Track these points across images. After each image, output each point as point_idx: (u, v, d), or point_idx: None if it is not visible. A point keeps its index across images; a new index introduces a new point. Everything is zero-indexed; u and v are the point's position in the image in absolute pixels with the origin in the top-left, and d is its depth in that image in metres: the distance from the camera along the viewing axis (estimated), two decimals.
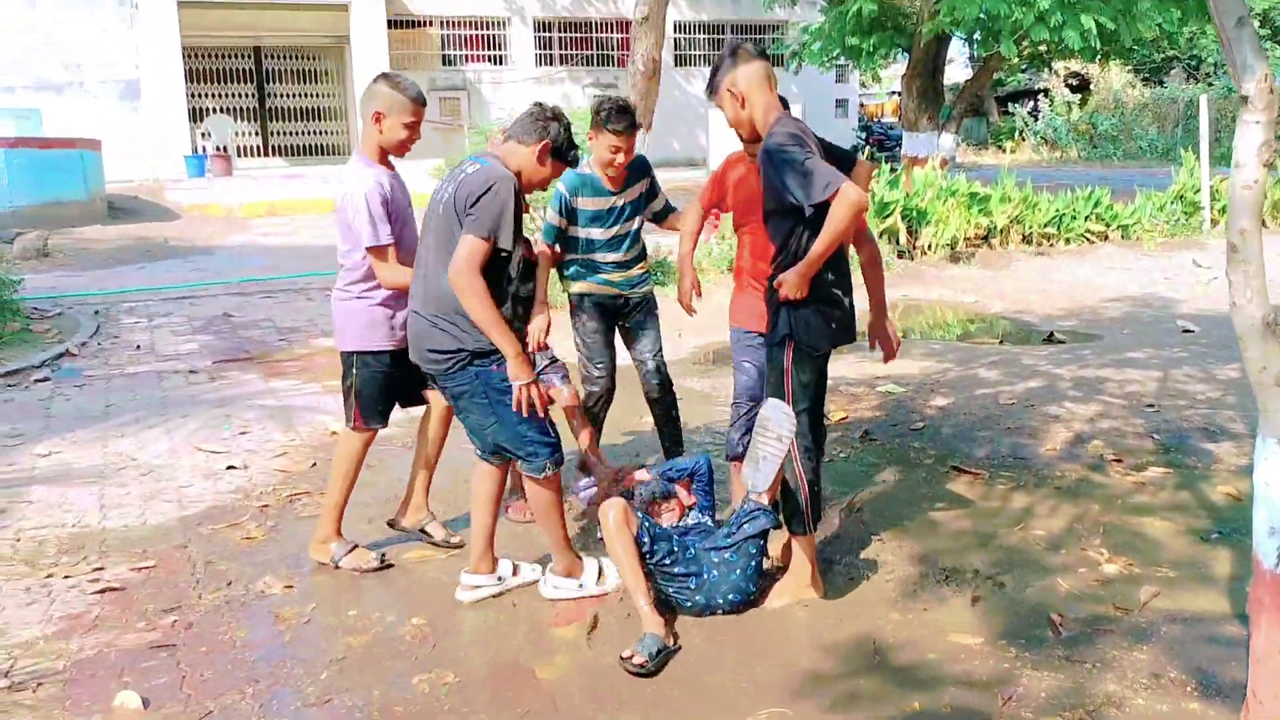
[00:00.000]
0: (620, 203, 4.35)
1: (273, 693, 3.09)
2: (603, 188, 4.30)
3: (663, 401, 4.62)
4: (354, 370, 3.89)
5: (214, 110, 21.84)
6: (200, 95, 21.80)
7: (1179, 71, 31.96)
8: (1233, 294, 2.38)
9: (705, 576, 3.44)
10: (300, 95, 23.26)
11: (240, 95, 22.76)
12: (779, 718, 2.91)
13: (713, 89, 3.56)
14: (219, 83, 22.41)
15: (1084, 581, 3.70)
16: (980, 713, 2.90)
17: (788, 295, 3.38)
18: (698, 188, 4.37)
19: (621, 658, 3.16)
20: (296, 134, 23.36)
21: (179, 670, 3.22)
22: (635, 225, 4.43)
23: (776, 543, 3.76)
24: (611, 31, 25.11)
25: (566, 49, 24.95)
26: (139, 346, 7.85)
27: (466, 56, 24.06)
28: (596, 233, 4.35)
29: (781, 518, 3.62)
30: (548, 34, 24.77)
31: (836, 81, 27.54)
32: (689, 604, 3.46)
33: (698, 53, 26.48)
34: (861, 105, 33.62)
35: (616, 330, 4.58)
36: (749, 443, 3.63)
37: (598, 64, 25.25)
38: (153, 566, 3.99)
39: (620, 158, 4.19)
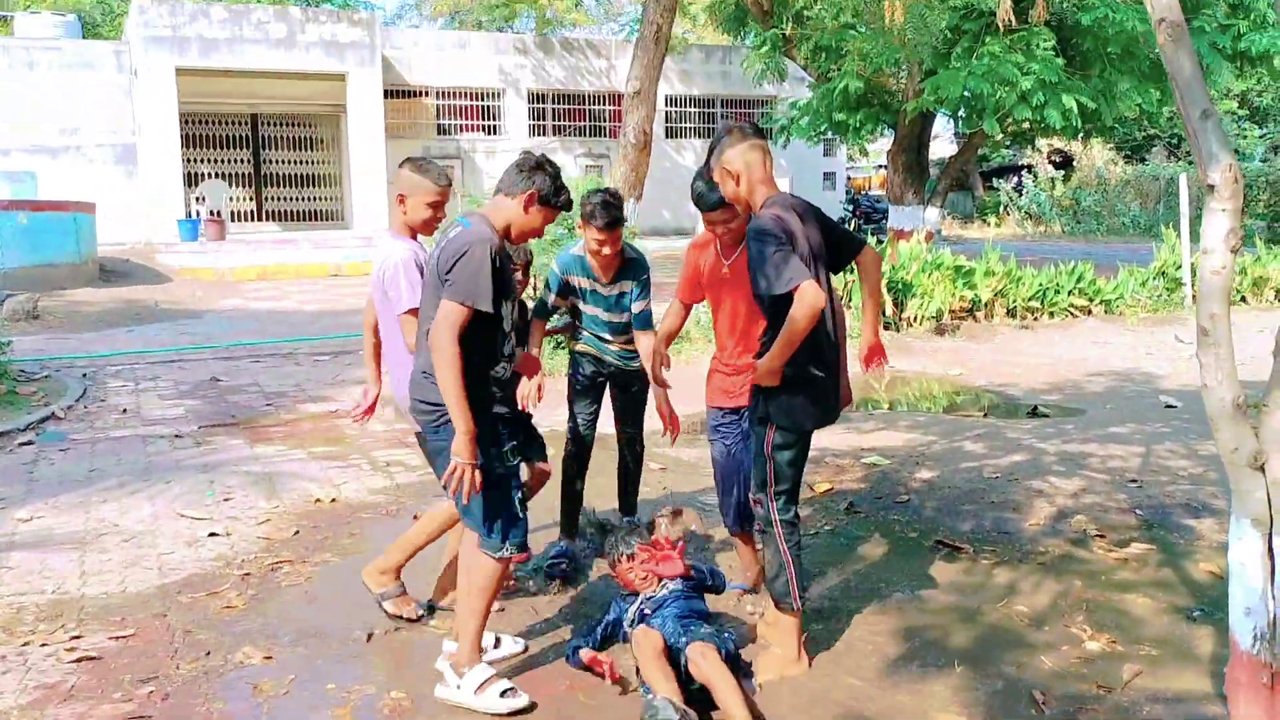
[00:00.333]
0: (610, 292, 4.46)
1: None
2: (593, 274, 4.43)
3: (631, 472, 4.86)
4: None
5: (209, 175, 22.03)
6: (196, 160, 22.00)
7: (1160, 149, 32.58)
8: (1204, 376, 2.43)
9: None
10: (296, 162, 23.50)
11: (236, 161, 22.98)
12: None
13: (710, 166, 3.65)
14: (215, 148, 22.64)
15: (1067, 659, 3.69)
16: None
17: (760, 384, 3.45)
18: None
19: None
20: (291, 200, 23.56)
21: None
22: (627, 317, 4.53)
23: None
24: (604, 104, 25.53)
25: (559, 120, 25.35)
26: (125, 410, 7.85)
27: (461, 126, 24.41)
28: (590, 310, 4.53)
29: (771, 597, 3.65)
30: (541, 105, 25.17)
31: (824, 155, 28.00)
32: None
33: (689, 125, 26.92)
34: (849, 178, 34.10)
35: (607, 393, 4.71)
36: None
37: (590, 135, 25.64)
38: (131, 635, 3.95)
39: (606, 250, 4.30)
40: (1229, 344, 2.41)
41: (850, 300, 11.30)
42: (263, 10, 21.22)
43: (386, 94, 21.79)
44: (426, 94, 23.86)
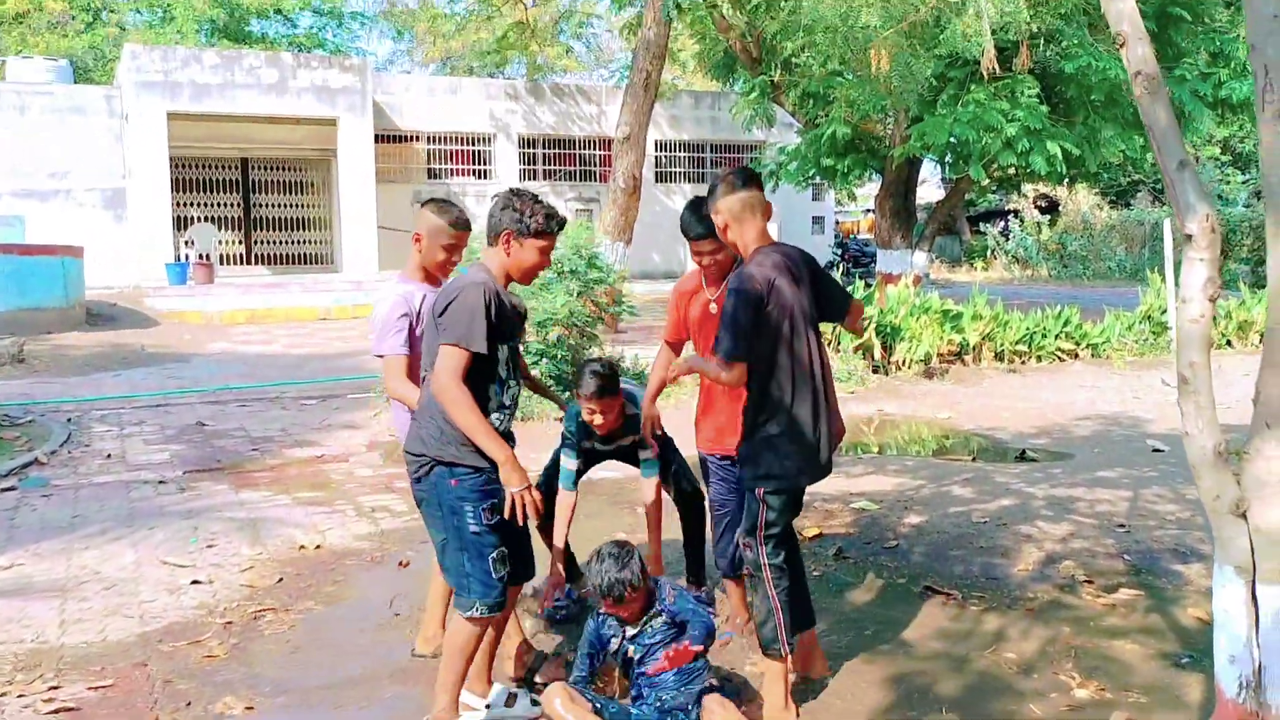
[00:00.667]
0: (609, 448, 4.37)
1: None
2: (594, 432, 4.28)
3: (694, 536, 4.58)
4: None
5: (199, 219, 22.09)
6: (186, 204, 22.07)
7: (1145, 194, 32.90)
8: (1185, 424, 2.43)
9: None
10: (286, 205, 23.58)
11: (226, 204, 23.06)
12: None
13: (705, 209, 3.74)
14: (205, 192, 22.72)
15: (1055, 707, 3.67)
16: None
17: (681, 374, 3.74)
18: None
19: None
20: (281, 243, 23.61)
21: None
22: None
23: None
24: (594, 149, 25.74)
25: (550, 164, 25.53)
26: (109, 455, 7.79)
27: (452, 170, 24.57)
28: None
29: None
30: (532, 149, 25.37)
31: (813, 200, 28.24)
32: None
33: (678, 170, 27.14)
34: (837, 222, 34.34)
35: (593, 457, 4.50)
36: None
37: (581, 179, 25.83)
38: (110, 685, 3.90)
39: (598, 419, 4.14)
40: (1209, 392, 2.43)
41: (838, 345, 11.35)
42: (255, 56, 21.41)
43: (377, 139, 21.94)
44: (417, 139, 24.03)
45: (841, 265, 24.64)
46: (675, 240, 23.98)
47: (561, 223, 3.55)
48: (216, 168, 22.83)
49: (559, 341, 8.88)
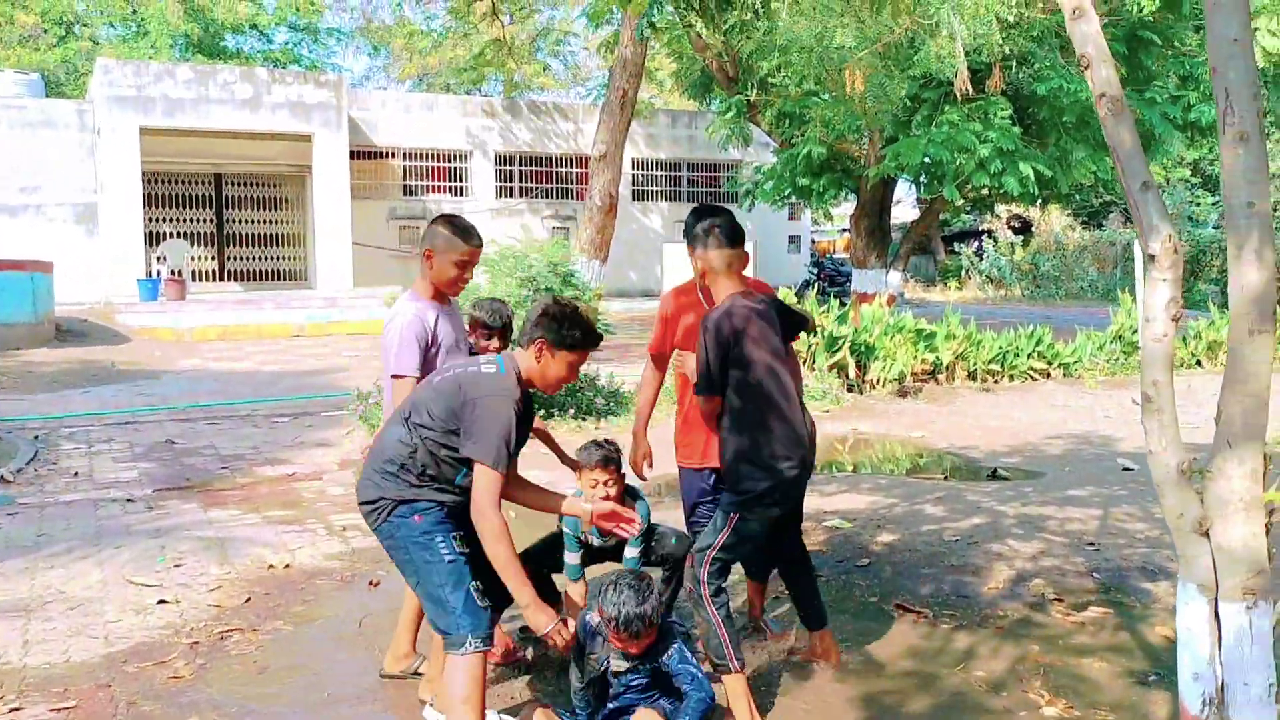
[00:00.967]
0: (608, 544, 4.16)
1: None
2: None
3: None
4: None
5: (171, 234, 21.93)
6: (158, 220, 21.91)
7: (1117, 215, 33.25)
8: (1149, 442, 2.46)
9: None
10: (259, 221, 23.44)
11: (199, 220, 22.90)
12: None
13: (690, 241, 3.92)
14: (178, 207, 22.56)
15: None
16: None
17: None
18: (653, 318, 4.47)
19: None
20: (254, 259, 23.46)
21: None
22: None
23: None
24: (571, 166, 25.79)
25: (526, 182, 25.55)
26: (77, 473, 7.71)
27: (427, 187, 24.54)
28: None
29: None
30: (508, 167, 25.38)
31: (789, 219, 28.37)
32: None
33: (655, 188, 27.22)
34: (813, 242, 34.54)
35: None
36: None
37: (557, 197, 25.86)
38: (73, 707, 3.84)
39: (600, 490, 3.98)
40: (1173, 410, 2.45)
41: (814, 363, 11.38)
42: (229, 71, 21.32)
43: (353, 155, 21.88)
44: (393, 155, 24.00)
45: (817, 284, 24.77)
46: (652, 258, 24.11)
47: (597, 339, 3.43)
48: (190, 183, 22.69)
49: None
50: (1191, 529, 2.43)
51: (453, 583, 3.18)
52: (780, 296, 4.19)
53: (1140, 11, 13.61)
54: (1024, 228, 34.79)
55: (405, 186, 24.29)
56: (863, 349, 11.70)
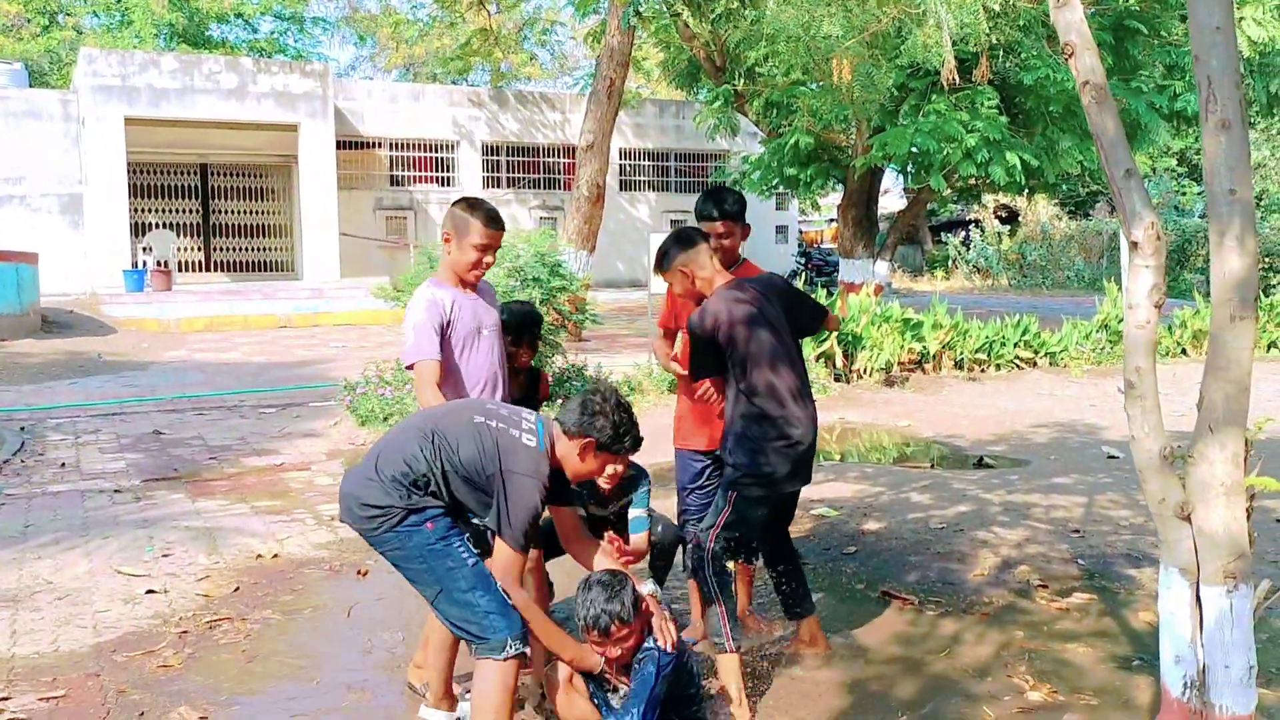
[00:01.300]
0: (605, 513, 4.17)
1: None
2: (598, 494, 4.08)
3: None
4: None
5: (157, 225, 21.82)
6: (143, 210, 21.79)
7: (1103, 205, 33.36)
8: (1132, 428, 2.48)
9: None
10: (245, 212, 23.33)
11: (185, 211, 22.78)
12: None
13: (664, 268, 3.98)
14: (163, 198, 22.44)
15: (1008, 710, 3.71)
16: None
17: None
18: (640, 308, 4.53)
19: None
20: (240, 250, 23.36)
21: None
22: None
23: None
24: (558, 156, 25.73)
25: (514, 172, 25.48)
26: (64, 465, 7.68)
27: (414, 177, 24.45)
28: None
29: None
30: (495, 157, 25.31)
31: (777, 209, 28.39)
32: None
33: (642, 178, 27.19)
34: (801, 232, 34.54)
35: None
36: None
37: (544, 187, 25.80)
38: (62, 696, 3.84)
39: (609, 469, 3.74)
40: (1155, 396, 2.47)
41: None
42: (214, 61, 21.20)
43: (339, 145, 21.79)
44: (380, 145, 23.90)
45: (805, 274, 24.80)
46: (639, 248, 24.08)
47: (637, 448, 3.31)
48: (175, 173, 22.56)
49: None
50: (1173, 514, 2.46)
51: (482, 585, 3.04)
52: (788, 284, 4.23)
53: (1127, 1, 13.65)
54: (1011, 217, 34.88)
55: (392, 177, 24.20)
56: (850, 339, 11.73)
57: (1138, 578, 5.16)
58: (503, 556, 3.07)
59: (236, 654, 4.26)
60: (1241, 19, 13.00)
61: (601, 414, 3.17)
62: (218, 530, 5.99)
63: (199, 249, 23.03)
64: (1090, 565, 5.36)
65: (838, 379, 11.44)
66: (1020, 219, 34.08)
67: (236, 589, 5.04)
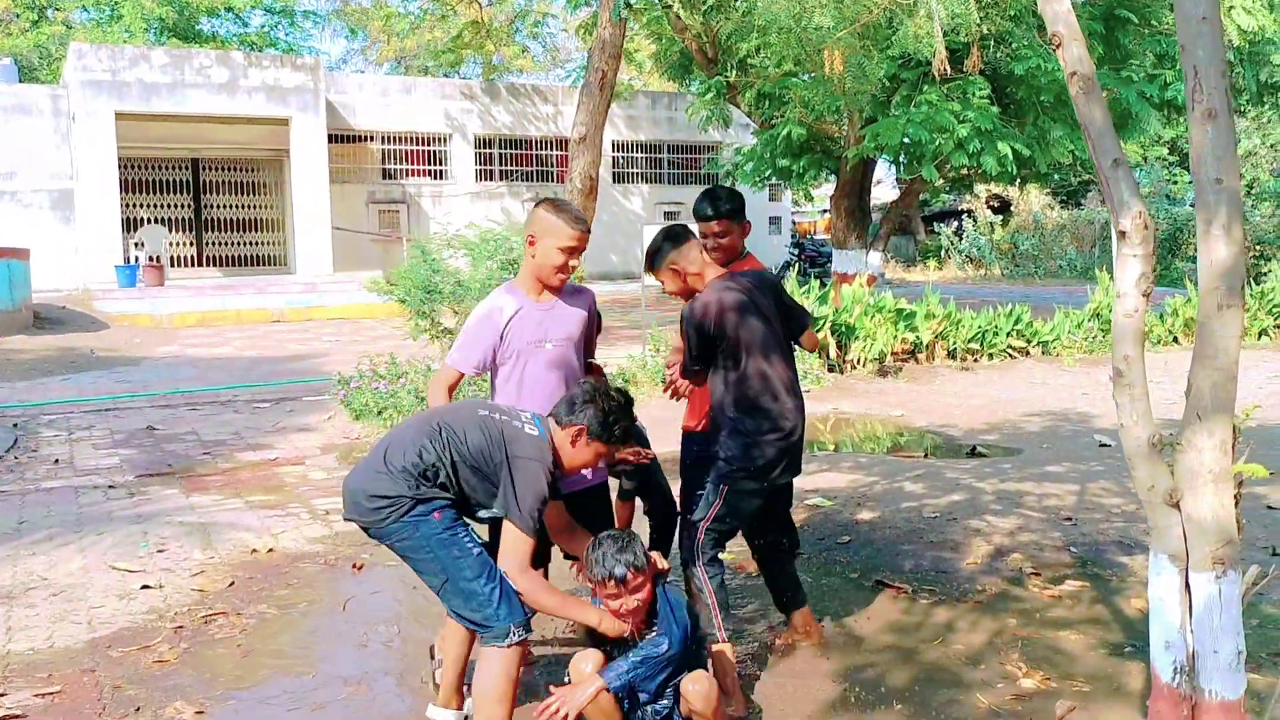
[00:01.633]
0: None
1: None
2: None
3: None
4: None
5: (149, 220, 21.75)
6: (135, 205, 21.72)
7: (1095, 194, 33.40)
8: (1121, 416, 2.50)
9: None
10: (237, 206, 23.27)
11: (176, 206, 22.71)
12: None
13: (655, 266, 3.99)
14: (155, 193, 22.36)
15: (1002, 697, 3.73)
16: None
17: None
18: (634, 300, 4.53)
19: None
20: (232, 245, 23.30)
21: None
22: None
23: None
24: (551, 149, 25.70)
25: (506, 164, 25.44)
26: (57, 461, 7.68)
27: (406, 170, 24.40)
28: None
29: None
30: (488, 150, 25.26)
31: (770, 200, 28.36)
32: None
33: (635, 170, 27.16)
34: (794, 223, 34.54)
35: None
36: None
37: (537, 179, 25.76)
38: (58, 692, 3.85)
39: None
40: (1143, 384, 2.49)
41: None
42: (205, 55, 21.11)
43: (331, 139, 21.73)
44: (372, 139, 23.85)
45: (798, 265, 24.80)
46: (633, 240, 24.09)
47: (630, 437, 3.47)
48: (166, 168, 22.48)
49: None
50: (1163, 501, 2.48)
51: (486, 574, 3.11)
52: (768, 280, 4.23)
53: None
54: (1003, 207, 34.91)
55: (384, 170, 24.15)
56: (843, 329, 11.76)
57: (1129, 565, 5.19)
58: (514, 540, 3.14)
59: (232, 649, 4.27)
60: (1231, 7, 13.01)
61: (592, 403, 3.29)
62: (212, 525, 6.00)
63: (191, 244, 22.98)
64: (1082, 553, 5.39)
65: (831, 369, 11.47)
66: (1012, 209, 34.11)
67: (231, 584, 5.04)
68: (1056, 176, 24.79)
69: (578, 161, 15.36)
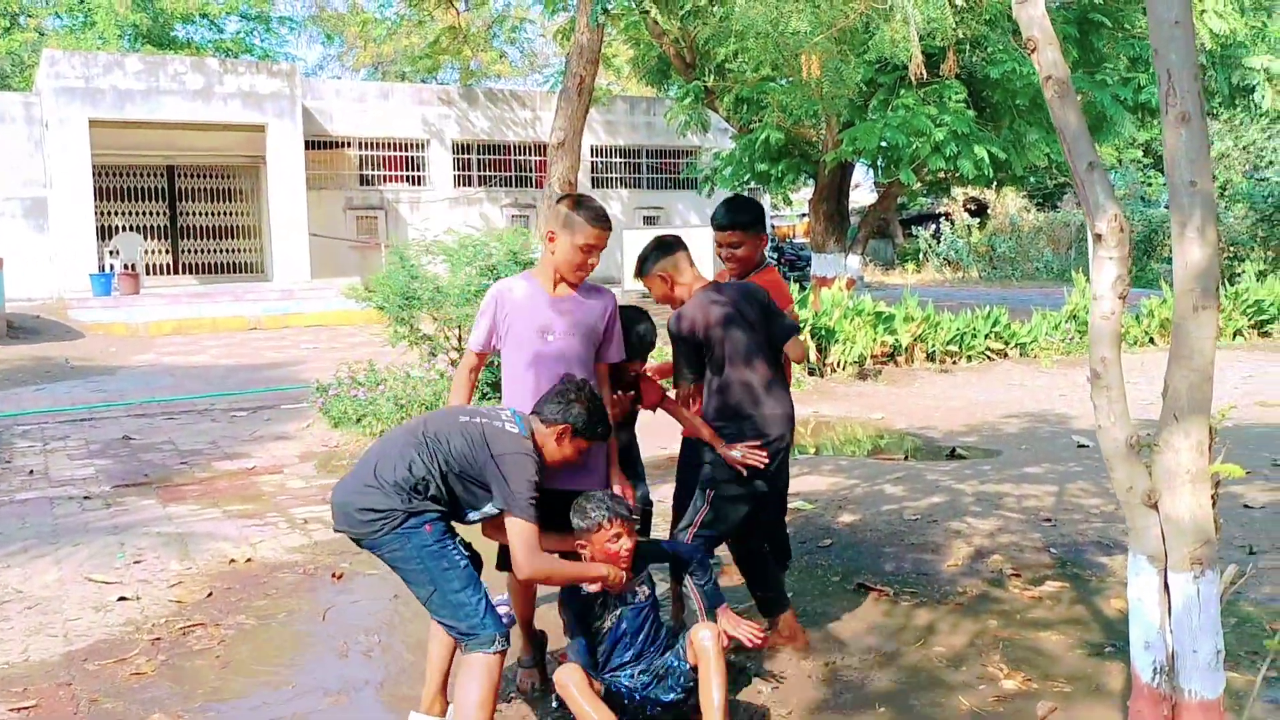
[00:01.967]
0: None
1: None
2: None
3: None
4: None
5: (124, 228, 21.58)
6: (110, 213, 21.54)
7: (1071, 197, 33.64)
8: (1098, 418, 2.51)
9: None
10: (213, 213, 23.11)
11: (152, 213, 22.53)
12: None
13: (644, 272, 4.08)
14: (130, 200, 22.19)
15: (983, 699, 3.74)
16: None
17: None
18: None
19: None
20: (209, 252, 23.15)
21: None
22: None
23: None
24: (529, 154, 25.66)
25: (484, 170, 25.39)
26: (32, 471, 7.60)
27: (384, 177, 24.29)
28: None
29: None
30: (466, 155, 25.19)
31: None
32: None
33: (614, 175, 27.16)
34: (774, 226, 34.62)
35: None
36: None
37: (516, 185, 25.71)
38: (33, 706, 3.80)
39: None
40: (1121, 385, 2.50)
41: None
42: (179, 61, 20.98)
43: (308, 145, 21.63)
44: (349, 145, 23.74)
45: (778, 269, 24.84)
46: (612, 245, 23.94)
47: (609, 434, 3.62)
48: (141, 175, 22.31)
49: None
50: (1141, 501, 2.49)
51: (472, 585, 3.23)
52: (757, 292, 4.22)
53: None
54: (980, 210, 35.12)
55: (362, 176, 24.04)
56: (823, 332, 11.79)
57: (1109, 565, 5.22)
58: (518, 529, 3.23)
59: (210, 660, 4.23)
60: (1203, 11, 13.13)
61: (577, 402, 3.42)
62: (190, 535, 5.94)
63: (167, 251, 22.80)
64: (1062, 553, 5.42)
65: (811, 373, 11.50)
66: (989, 212, 34.33)
67: (209, 594, 5.00)
68: (1033, 179, 24.97)
69: (556, 167, 15.33)
